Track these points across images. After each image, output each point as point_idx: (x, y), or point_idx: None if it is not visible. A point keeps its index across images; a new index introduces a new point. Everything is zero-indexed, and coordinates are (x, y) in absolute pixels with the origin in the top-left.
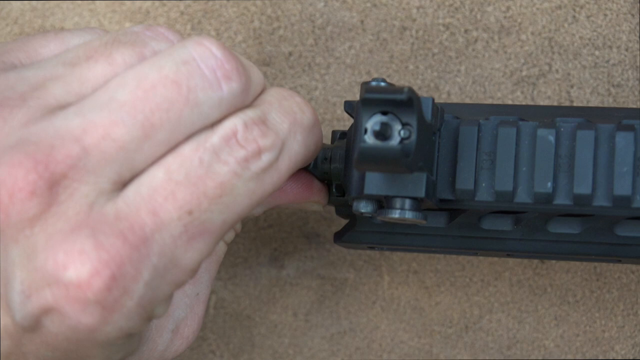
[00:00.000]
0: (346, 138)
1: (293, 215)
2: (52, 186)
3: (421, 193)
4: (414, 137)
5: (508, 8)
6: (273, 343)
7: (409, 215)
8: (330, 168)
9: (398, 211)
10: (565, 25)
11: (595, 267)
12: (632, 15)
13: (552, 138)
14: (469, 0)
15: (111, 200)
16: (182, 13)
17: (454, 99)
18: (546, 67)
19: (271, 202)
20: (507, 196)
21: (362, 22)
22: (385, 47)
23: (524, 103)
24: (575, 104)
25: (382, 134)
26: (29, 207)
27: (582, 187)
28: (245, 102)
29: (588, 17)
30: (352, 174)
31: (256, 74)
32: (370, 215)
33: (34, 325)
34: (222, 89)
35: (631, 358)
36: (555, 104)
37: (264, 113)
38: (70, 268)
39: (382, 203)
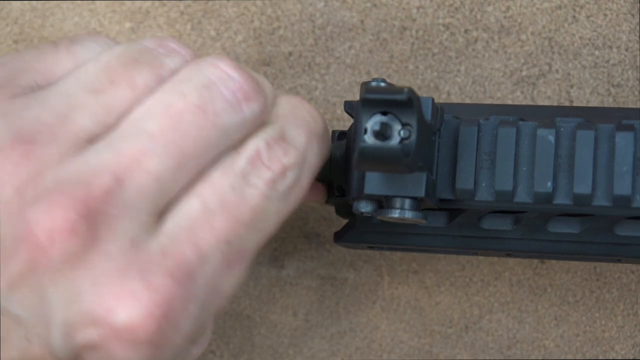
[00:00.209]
0: (346, 138)
1: (293, 215)
2: (92, 224)
3: (421, 193)
4: (413, 137)
5: (508, 8)
6: (273, 343)
7: (408, 215)
8: (330, 168)
9: (398, 211)
10: (565, 25)
11: (595, 267)
12: (632, 15)
13: (552, 138)
14: (469, 0)
15: (152, 235)
16: (182, 13)
17: (454, 99)
18: (546, 67)
19: None
20: (507, 196)
21: (362, 22)
22: (385, 47)
23: (524, 103)
24: (575, 104)
25: (382, 134)
26: (70, 246)
27: (582, 187)
28: (263, 120)
29: (588, 17)
30: (352, 174)
31: (268, 88)
32: (370, 215)
33: (73, 358)
34: (244, 110)
35: (631, 358)
36: (555, 104)
37: (282, 129)
38: (122, 312)
39: (382, 203)
